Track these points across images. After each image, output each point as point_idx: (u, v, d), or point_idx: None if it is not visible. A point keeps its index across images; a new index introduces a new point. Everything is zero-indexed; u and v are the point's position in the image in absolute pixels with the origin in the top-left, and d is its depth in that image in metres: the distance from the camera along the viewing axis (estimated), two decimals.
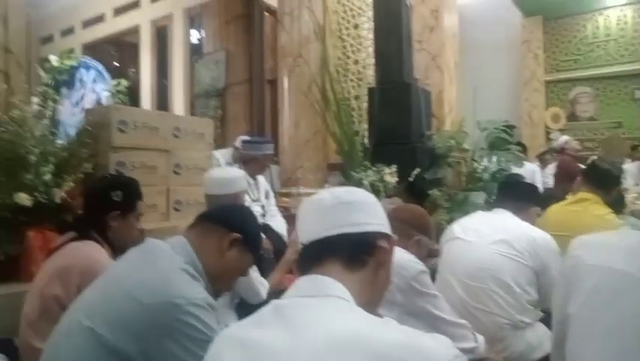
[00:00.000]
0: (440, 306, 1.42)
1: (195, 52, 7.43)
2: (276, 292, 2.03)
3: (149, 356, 0.90)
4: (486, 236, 1.73)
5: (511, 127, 4.31)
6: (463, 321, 1.46)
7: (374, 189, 3.93)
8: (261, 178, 3.30)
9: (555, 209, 2.32)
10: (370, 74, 5.11)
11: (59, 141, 2.51)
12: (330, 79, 4.27)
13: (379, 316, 0.74)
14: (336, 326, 0.65)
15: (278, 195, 4.10)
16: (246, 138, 4.38)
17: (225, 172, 2.30)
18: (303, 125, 4.77)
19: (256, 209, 3.04)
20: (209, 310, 0.96)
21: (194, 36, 7.74)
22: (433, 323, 1.39)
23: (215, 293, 1.13)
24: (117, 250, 1.75)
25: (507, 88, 8.37)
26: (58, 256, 1.67)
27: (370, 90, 4.32)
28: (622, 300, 0.73)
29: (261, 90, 6.63)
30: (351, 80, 5.45)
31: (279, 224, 3.16)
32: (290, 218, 3.34)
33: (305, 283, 0.76)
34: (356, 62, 5.49)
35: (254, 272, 1.97)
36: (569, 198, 2.37)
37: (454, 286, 1.72)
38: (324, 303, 0.70)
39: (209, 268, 1.10)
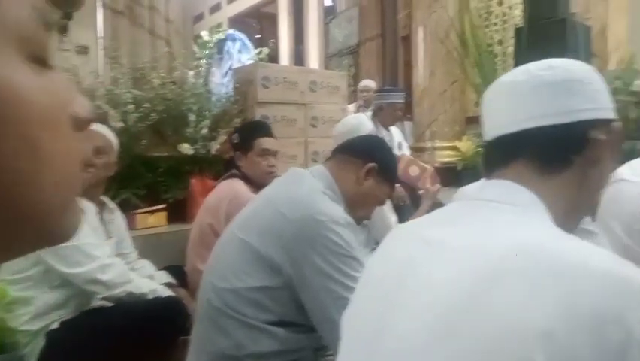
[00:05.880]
0: (603, 244, 1.28)
1: (329, 13, 7.51)
2: None
3: (295, 265, 0.98)
4: None
5: None
6: (628, 262, 1.29)
7: None
8: (394, 129, 3.25)
9: None
10: (517, 14, 4.61)
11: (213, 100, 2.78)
12: (470, 22, 3.96)
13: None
14: (520, 234, 0.54)
15: (412, 150, 4.02)
16: (370, 83, 4.35)
17: (342, 125, 2.28)
18: (439, 75, 4.55)
19: None
20: (348, 228, 1.00)
21: None
22: None
23: (356, 221, 1.17)
24: (258, 185, 1.93)
25: None
26: (212, 194, 1.98)
27: (518, 30, 3.88)
28: None
29: (394, 44, 6.47)
30: (494, 24, 4.99)
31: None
32: None
33: (490, 189, 0.63)
34: (500, 2, 5.00)
35: (392, 216, 1.99)
36: None
37: (615, 231, 1.52)
38: (510, 211, 0.58)
39: (348, 196, 1.14)
